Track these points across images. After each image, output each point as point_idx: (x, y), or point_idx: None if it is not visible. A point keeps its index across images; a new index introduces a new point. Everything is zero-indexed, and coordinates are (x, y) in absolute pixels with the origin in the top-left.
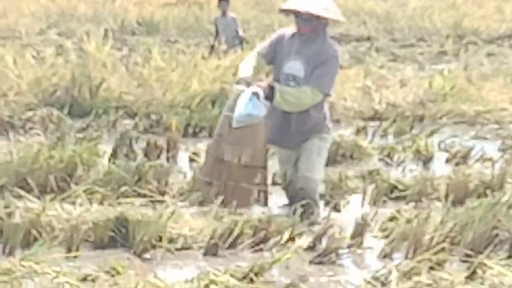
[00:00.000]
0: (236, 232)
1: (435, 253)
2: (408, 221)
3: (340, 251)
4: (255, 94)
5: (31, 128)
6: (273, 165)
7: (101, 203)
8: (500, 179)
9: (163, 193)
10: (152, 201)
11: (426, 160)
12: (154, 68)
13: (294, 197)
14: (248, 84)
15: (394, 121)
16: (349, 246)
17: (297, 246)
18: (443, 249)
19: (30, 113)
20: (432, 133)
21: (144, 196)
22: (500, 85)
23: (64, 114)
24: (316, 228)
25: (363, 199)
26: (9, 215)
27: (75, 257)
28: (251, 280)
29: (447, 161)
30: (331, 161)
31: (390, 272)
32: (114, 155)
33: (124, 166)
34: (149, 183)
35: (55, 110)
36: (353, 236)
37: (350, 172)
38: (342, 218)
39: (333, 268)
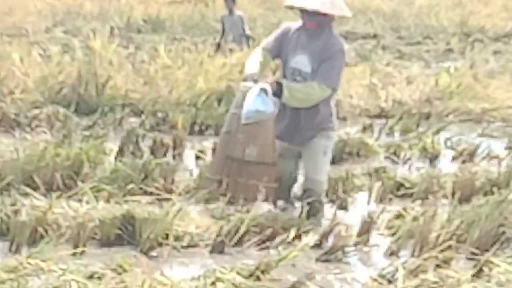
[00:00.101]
0: (242, 229)
1: (442, 251)
2: (415, 219)
3: (347, 249)
4: (263, 90)
5: (37, 126)
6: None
7: (107, 200)
8: (506, 177)
9: (169, 191)
10: (158, 199)
11: (433, 158)
12: (160, 66)
13: (293, 192)
14: (255, 81)
15: (400, 118)
16: (355, 244)
17: (304, 244)
18: (449, 247)
19: (36, 111)
20: (438, 130)
21: (151, 194)
22: (507, 83)
23: (70, 112)
24: (323, 226)
25: (370, 196)
26: (16, 213)
27: (81, 254)
28: (258, 278)
29: (454, 159)
30: (337, 159)
31: (396, 270)
32: (120, 153)
33: (131, 164)
34: (156, 181)
35: (62, 108)
36: (359, 234)
37: (357, 169)
38: (348, 216)
39: (339, 266)
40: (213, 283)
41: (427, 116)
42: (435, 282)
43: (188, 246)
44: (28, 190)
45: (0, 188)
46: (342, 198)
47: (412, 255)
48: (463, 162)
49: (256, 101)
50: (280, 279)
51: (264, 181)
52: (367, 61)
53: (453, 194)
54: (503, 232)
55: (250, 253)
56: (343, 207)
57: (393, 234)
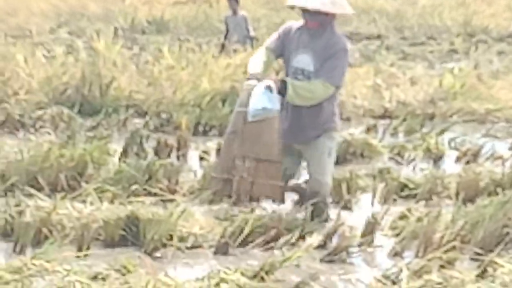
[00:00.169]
0: (246, 230)
1: (446, 252)
2: (419, 219)
3: (351, 250)
4: (268, 87)
5: (41, 127)
6: None
7: (111, 201)
8: (510, 177)
9: (173, 192)
10: (162, 200)
11: (437, 159)
12: (164, 67)
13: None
14: (259, 80)
15: (404, 119)
16: (359, 245)
17: (308, 244)
18: (453, 247)
19: (40, 112)
20: (442, 131)
21: (155, 194)
22: (511, 83)
23: (74, 112)
24: (327, 227)
25: (374, 197)
26: (20, 213)
27: (85, 255)
28: (262, 279)
29: (458, 159)
30: (341, 160)
31: (400, 271)
32: (124, 153)
33: (135, 164)
34: (160, 182)
35: (66, 109)
36: (363, 235)
37: (361, 170)
38: (352, 217)
39: (343, 267)
40: (217, 284)
41: (431, 117)
42: (439, 283)
43: (192, 247)
44: (32, 191)
45: (5, 189)
46: (346, 199)
47: (416, 256)
48: (467, 162)
49: (262, 99)
50: (284, 280)
51: (271, 179)
52: (371, 62)
53: (457, 194)
54: (507, 233)
55: (254, 254)
56: (347, 207)
57: (397, 235)
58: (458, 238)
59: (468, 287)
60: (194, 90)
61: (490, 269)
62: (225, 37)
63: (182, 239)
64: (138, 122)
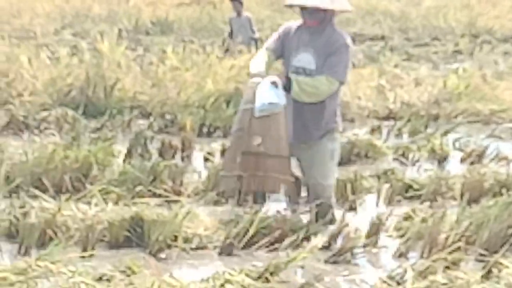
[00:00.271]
0: (251, 231)
1: (451, 252)
2: (423, 220)
3: (355, 251)
4: (274, 83)
5: (46, 128)
6: None
7: (116, 203)
8: None
9: (178, 193)
10: (167, 201)
11: (441, 159)
12: (168, 68)
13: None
14: (263, 77)
15: (409, 120)
16: (364, 246)
17: (313, 245)
18: (458, 248)
19: (45, 113)
20: (447, 132)
21: (159, 196)
22: None
23: (79, 114)
24: (331, 228)
25: (378, 198)
26: (25, 215)
27: (90, 256)
28: (267, 280)
29: (462, 160)
30: (345, 161)
31: (405, 272)
32: (129, 155)
33: (139, 166)
34: (164, 183)
35: (70, 110)
36: (368, 236)
37: (365, 171)
38: (357, 218)
39: (348, 268)
40: (222, 285)
41: (436, 118)
42: (444, 284)
43: (197, 248)
44: (37, 192)
45: (9, 190)
46: (350, 200)
47: (421, 257)
48: (472, 163)
49: (268, 94)
50: (289, 281)
51: (282, 174)
52: (375, 63)
53: (461, 195)
54: None
55: (259, 255)
56: (352, 208)
57: (401, 236)
58: (463, 239)
59: None
60: (199, 91)
61: (495, 270)
62: (230, 39)
63: (186, 240)
64: (142, 123)
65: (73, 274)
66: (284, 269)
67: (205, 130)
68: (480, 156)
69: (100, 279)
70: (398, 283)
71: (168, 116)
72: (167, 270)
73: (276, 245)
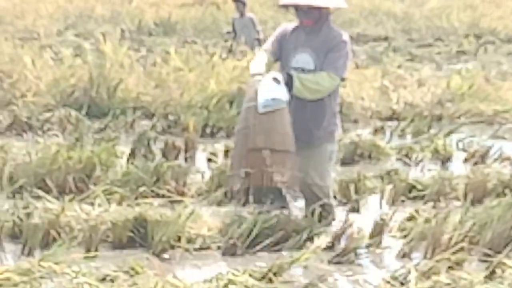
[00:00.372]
0: (254, 232)
1: (454, 253)
2: (427, 220)
3: (359, 251)
4: (275, 79)
5: (49, 129)
6: None
7: (119, 203)
8: None
9: (181, 193)
10: (170, 201)
11: (444, 160)
12: (171, 69)
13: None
14: (264, 76)
15: (412, 120)
16: (367, 246)
17: (316, 246)
18: (462, 248)
19: (48, 114)
20: (450, 132)
21: (163, 196)
22: None
23: (82, 114)
24: (335, 228)
25: (381, 199)
26: (28, 215)
27: (94, 257)
28: (270, 280)
29: (466, 160)
30: (349, 161)
31: (409, 272)
32: (132, 155)
33: (142, 166)
34: (168, 184)
35: (73, 111)
36: (371, 236)
37: (368, 172)
38: (360, 218)
39: (351, 268)
40: (225, 286)
41: (439, 118)
42: (448, 284)
43: (201, 249)
44: (40, 193)
45: (13, 191)
46: (354, 200)
47: (425, 257)
48: (475, 164)
49: (271, 90)
50: (292, 281)
51: (289, 169)
52: (379, 64)
53: (465, 196)
54: None
55: (262, 255)
56: (355, 209)
57: (405, 236)
58: (467, 239)
59: None
60: (202, 92)
61: (498, 270)
62: (233, 39)
63: (190, 240)
64: (145, 124)
65: (77, 274)
66: (288, 269)
67: (208, 130)
68: (484, 156)
69: (103, 279)
70: (402, 284)
71: (171, 117)
72: (170, 270)
73: (280, 246)
